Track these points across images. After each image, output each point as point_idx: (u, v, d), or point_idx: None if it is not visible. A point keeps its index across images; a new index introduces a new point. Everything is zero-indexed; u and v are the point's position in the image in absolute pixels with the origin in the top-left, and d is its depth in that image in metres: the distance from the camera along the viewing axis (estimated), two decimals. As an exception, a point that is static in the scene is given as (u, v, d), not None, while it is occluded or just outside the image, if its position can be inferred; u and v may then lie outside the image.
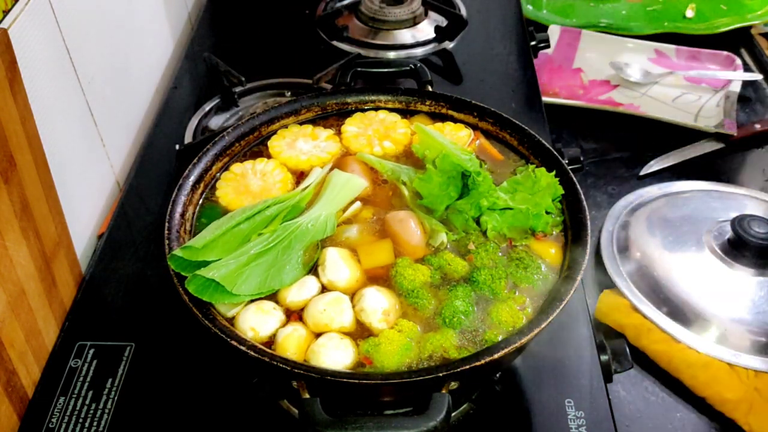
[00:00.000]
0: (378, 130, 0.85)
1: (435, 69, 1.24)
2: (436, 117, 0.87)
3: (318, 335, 0.65)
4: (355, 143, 0.84)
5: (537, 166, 0.78)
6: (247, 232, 0.70)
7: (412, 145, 0.83)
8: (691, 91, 1.33)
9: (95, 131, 0.98)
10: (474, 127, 0.86)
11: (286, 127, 0.87)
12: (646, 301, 0.91)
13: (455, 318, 0.66)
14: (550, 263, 0.71)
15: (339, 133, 0.86)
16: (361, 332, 0.66)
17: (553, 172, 0.75)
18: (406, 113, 0.88)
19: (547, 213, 0.74)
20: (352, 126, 0.86)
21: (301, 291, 0.68)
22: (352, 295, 0.68)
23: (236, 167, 0.81)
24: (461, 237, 0.73)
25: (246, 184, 0.79)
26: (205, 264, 0.65)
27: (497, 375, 0.77)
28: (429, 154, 0.78)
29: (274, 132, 0.86)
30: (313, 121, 0.88)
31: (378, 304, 0.66)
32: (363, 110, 0.88)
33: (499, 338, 0.64)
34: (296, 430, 0.72)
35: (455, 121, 0.87)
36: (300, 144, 0.84)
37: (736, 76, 1.33)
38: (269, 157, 0.83)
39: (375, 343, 0.64)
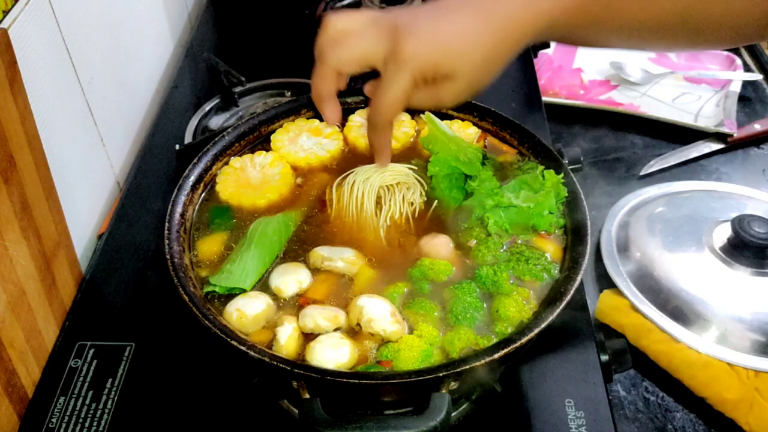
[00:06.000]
0: None
1: (435, 69, 1.24)
2: (437, 116, 0.87)
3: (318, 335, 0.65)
4: (357, 134, 0.85)
5: (540, 167, 0.78)
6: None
7: (419, 138, 0.83)
8: (691, 91, 1.33)
9: (95, 131, 0.98)
10: (475, 126, 0.86)
11: (293, 120, 0.87)
12: (646, 301, 0.91)
13: (468, 314, 0.66)
14: (550, 261, 0.71)
15: (344, 124, 0.86)
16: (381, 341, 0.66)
17: (561, 174, 0.75)
18: (407, 113, 0.88)
19: (550, 213, 0.74)
20: (359, 117, 0.86)
21: (288, 275, 0.70)
22: (350, 307, 0.68)
23: (235, 161, 0.81)
24: (461, 234, 0.74)
25: (246, 177, 0.79)
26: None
27: (497, 375, 0.76)
28: (434, 148, 0.79)
29: (274, 132, 0.86)
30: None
31: (382, 309, 0.65)
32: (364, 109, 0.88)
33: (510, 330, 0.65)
34: (296, 430, 0.72)
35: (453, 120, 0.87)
36: (302, 139, 0.84)
37: (736, 76, 1.33)
38: (269, 150, 0.83)
39: (395, 348, 0.63)
